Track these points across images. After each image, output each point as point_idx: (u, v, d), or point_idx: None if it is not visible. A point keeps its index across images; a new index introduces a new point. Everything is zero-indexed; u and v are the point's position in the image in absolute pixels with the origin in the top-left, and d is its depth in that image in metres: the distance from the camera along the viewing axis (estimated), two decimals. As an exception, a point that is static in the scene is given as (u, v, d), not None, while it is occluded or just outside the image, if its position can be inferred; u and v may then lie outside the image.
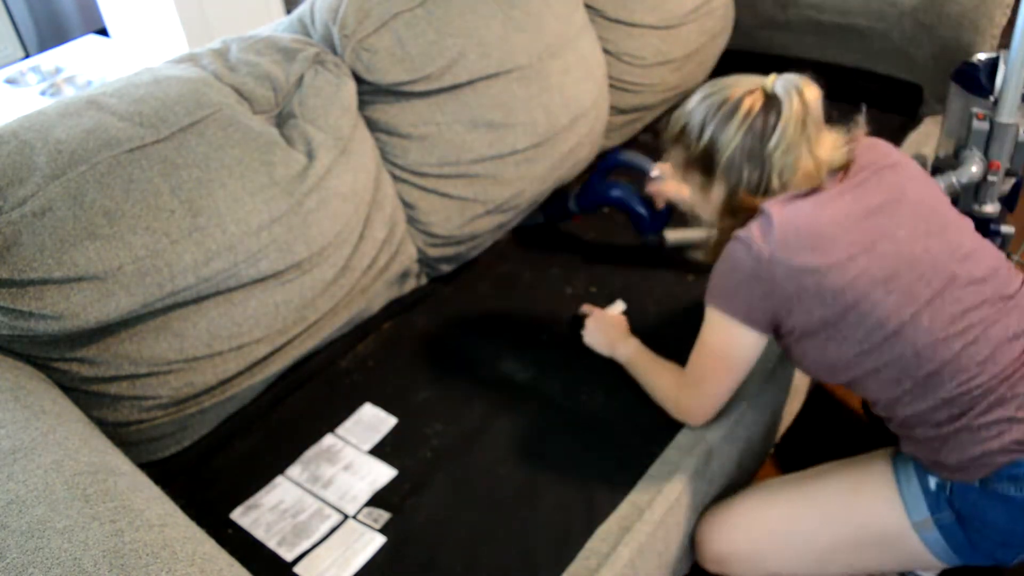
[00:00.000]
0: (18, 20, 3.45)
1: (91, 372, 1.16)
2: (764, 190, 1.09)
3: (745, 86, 1.11)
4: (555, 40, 1.69)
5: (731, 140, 1.07)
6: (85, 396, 1.17)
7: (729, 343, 1.10)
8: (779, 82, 1.09)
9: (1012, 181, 1.68)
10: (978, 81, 1.63)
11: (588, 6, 1.85)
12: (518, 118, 1.62)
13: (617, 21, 1.89)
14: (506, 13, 1.60)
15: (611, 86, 1.92)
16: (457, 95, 1.55)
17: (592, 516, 1.12)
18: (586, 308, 1.42)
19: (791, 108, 1.06)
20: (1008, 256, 1.95)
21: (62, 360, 1.14)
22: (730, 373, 1.14)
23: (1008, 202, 1.69)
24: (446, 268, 1.66)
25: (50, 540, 0.74)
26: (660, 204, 1.53)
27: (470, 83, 1.56)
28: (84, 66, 2.68)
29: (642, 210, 1.55)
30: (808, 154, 1.07)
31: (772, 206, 1.05)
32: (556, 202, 1.71)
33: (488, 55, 1.57)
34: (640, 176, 1.55)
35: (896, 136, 1.91)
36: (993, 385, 0.97)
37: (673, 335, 1.38)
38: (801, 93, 1.07)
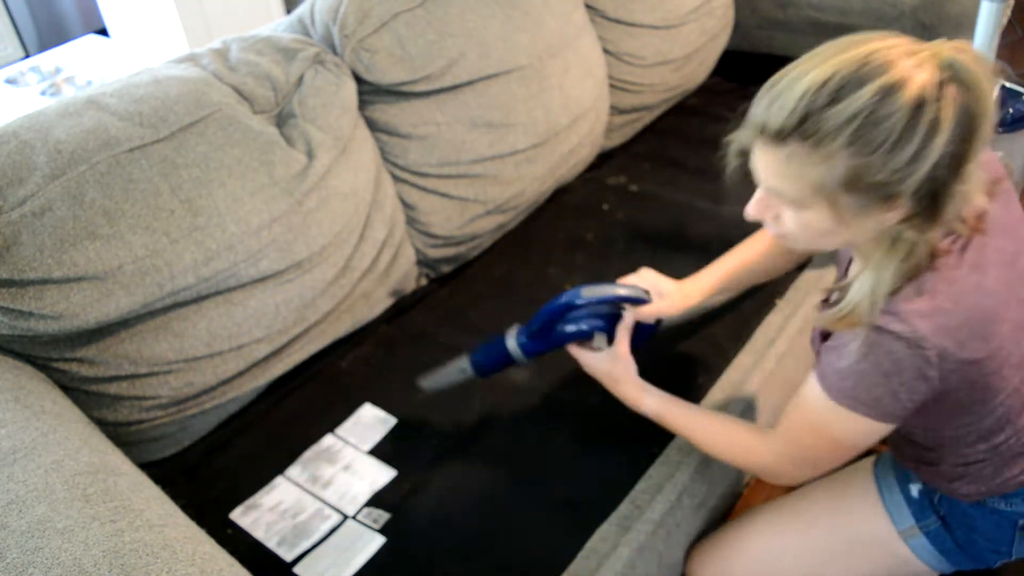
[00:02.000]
0: (18, 20, 3.45)
1: (91, 372, 1.16)
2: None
3: (921, 72, 0.74)
4: (555, 40, 1.69)
5: (936, 150, 0.74)
6: (85, 396, 1.17)
7: (867, 438, 0.91)
8: (950, 52, 0.76)
9: None
10: None
11: (588, 6, 1.85)
12: (518, 118, 1.62)
13: (617, 21, 1.89)
14: (506, 13, 1.60)
15: (611, 86, 1.92)
16: (457, 95, 1.55)
17: (592, 516, 1.12)
18: (573, 351, 1.16)
19: (989, 94, 0.76)
20: None
21: (62, 360, 1.14)
22: (853, 453, 0.95)
23: None
24: (446, 268, 1.66)
25: (50, 540, 0.74)
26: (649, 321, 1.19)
27: (470, 83, 1.56)
28: (84, 66, 2.68)
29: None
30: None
31: (937, 278, 0.82)
32: (491, 349, 1.19)
33: (488, 55, 1.57)
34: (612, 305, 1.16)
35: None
36: None
37: (670, 335, 1.38)
38: (988, 67, 0.78)
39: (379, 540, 1.12)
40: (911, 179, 0.75)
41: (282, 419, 1.35)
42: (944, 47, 0.76)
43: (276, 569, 1.10)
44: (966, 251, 0.84)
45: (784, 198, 0.84)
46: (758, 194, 0.89)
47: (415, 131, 1.52)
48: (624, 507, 1.13)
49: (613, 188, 1.84)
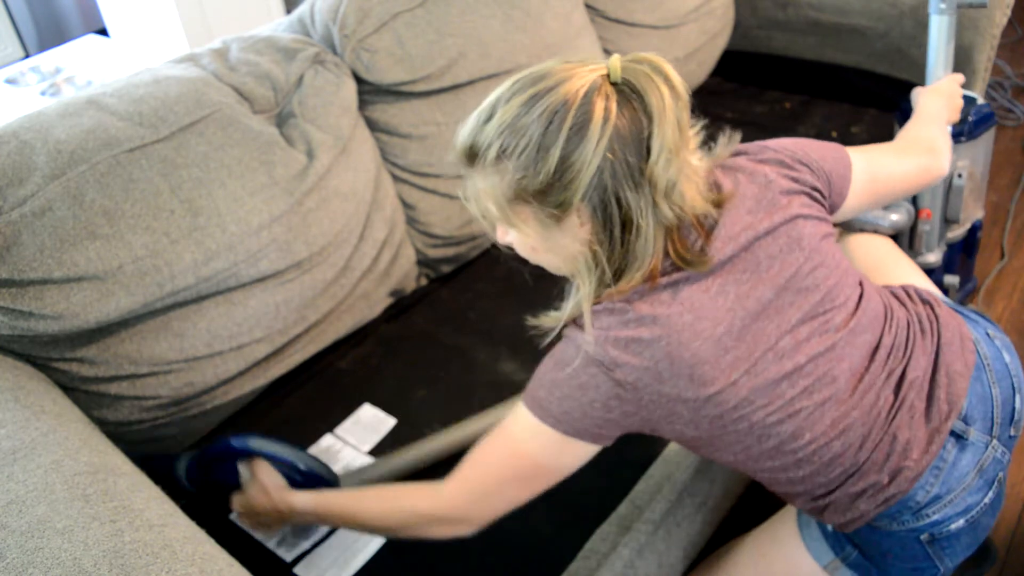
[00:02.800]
0: (18, 20, 3.45)
1: (91, 372, 1.16)
2: (650, 223, 0.80)
3: (581, 77, 0.78)
4: (555, 40, 1.69)
5: (590, 159, 0.76)
6: (85, 396, 1.17)
7: (555, 458, 0.88)
8: (624, 64, 0.79)
9: (967, 226, 1.54)
10: None
11: (588, 6, 1.85)
12: (518, 118, 1.62)
13: (617, 21, 1.89)
14: (506, 13, 1.60)
15: (611, 86, 1.92)
16: (457, 95, 1.55)
17: (592, 516, 1.12)
18: (235, 505, 1.05)
19: (662, 99, 0.77)
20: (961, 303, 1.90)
21: (62, 360, 1.14)
22: (535, 485, 0.91)
23: (968, 249, 1.57)
24: (446, 268, 1.66)
25: (50, 540, 0.74)
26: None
27: (470, 83, 1.56)
28: (84, 66, 2.68)
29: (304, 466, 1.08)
30: (690, 168, 0.82)
31: (645, 308, 0.81)
32: (160, 463, 1.14)
33: (488, 55, 1.57)
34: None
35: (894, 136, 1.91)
36: (859, 460, 0.92)
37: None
38: (668, 77, 0.79)
39: (379, 540, 1.12)
40: (573, 186, 0.77)
41: (282, 419, 1.35)
42: (618, 60, 0.79)
43: (276, 569, 1.10)
44: (687, 286, 0.83)
45: (495, 217, 0.85)
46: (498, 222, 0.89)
47: (415, 131, 1.52)
48: (624, 507, 1.13)
49: (613, 188, 1.84)
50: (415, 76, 1.48)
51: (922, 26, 1.92)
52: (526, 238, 0.85)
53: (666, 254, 0.83)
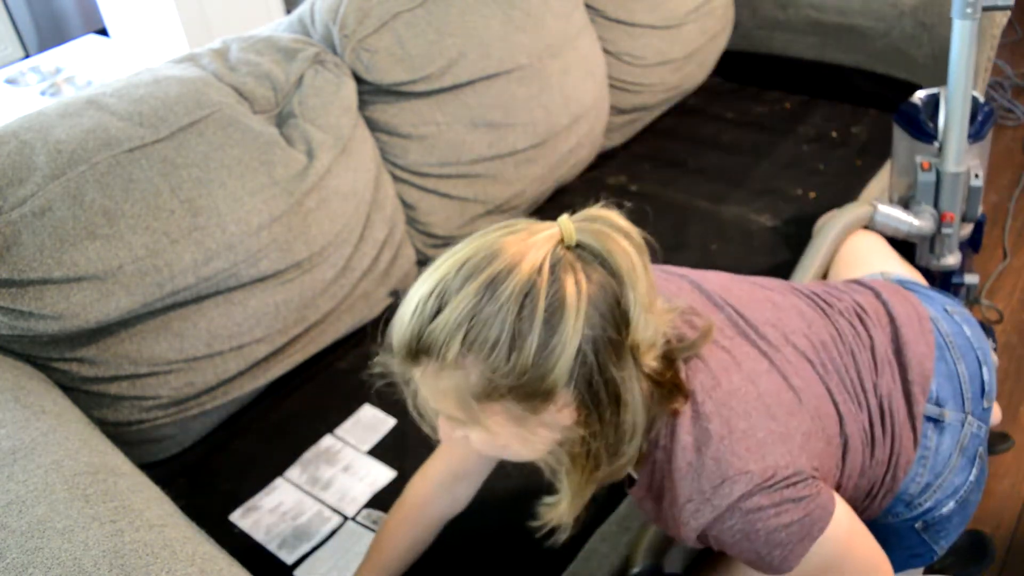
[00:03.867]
0: (18, 20, 3.45)
1: (91, 372, 1.16)
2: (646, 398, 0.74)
3: (537, 249, 0.68)
4: (555, 40, 1.69)
5: (569, 341, 0.67)
6: (85, 396, 1.17)
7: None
8: (577, 225, 0.71)
9: (972, 224, 1.53)
10: (920, 125, 1.45)
11: (588, 6, 1.85)
12: (518, 118, 1.62)
13: (617, 21, 1.89)
14: (506, 13, 1.60)
15: (611, 86, 1.92)
16: (457, 95, 1.55)
17: (592, 516, 1.12)
18: None
19: (629, 258, 0.70)
20: (976, 301, 1.91)
21: (62, 360, 1.14)
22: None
23: (973, 244, 1.57)
24: (446, 268, 1.66)
25: (50, 540, 0.74)
26: None
27: (470, 83, 1.56)
28: (84, 66, 2.68)
29: None
30: (657, 307, 0.75)
31: (710, 419, 0.77)
32: None
33: (488, 55, 1.57)
34: None
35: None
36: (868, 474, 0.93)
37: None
38: (622, 229, 0.73)
39: (379, 540, 1.12)
40: (554, 373, 0.67)
41: (282, 420, 1.35)
42: (569, 221, 0.71)
43: (277, 572, 1.10)
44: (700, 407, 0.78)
45: (453, 418, 0.74)
46: (440, 417, 0.79)
47: (415, 131, 1.52)
48: (624, 507, 1.13)
49: (613, 188, 1.84)
50: (415, 76, 1.48)
51: (922, 26, 1.92)
52: (495, 437, 0.74)
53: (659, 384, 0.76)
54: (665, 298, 0.82)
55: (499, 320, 0.66)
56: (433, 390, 0.72)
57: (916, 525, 0.94)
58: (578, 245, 0.70)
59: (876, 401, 0.91)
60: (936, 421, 0.93)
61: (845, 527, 0.79)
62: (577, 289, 0.67)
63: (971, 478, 0.94)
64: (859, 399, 0.89)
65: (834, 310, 0.96)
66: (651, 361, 0.73)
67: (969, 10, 1.30)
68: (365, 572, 1.01)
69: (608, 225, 0.71)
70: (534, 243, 0.68)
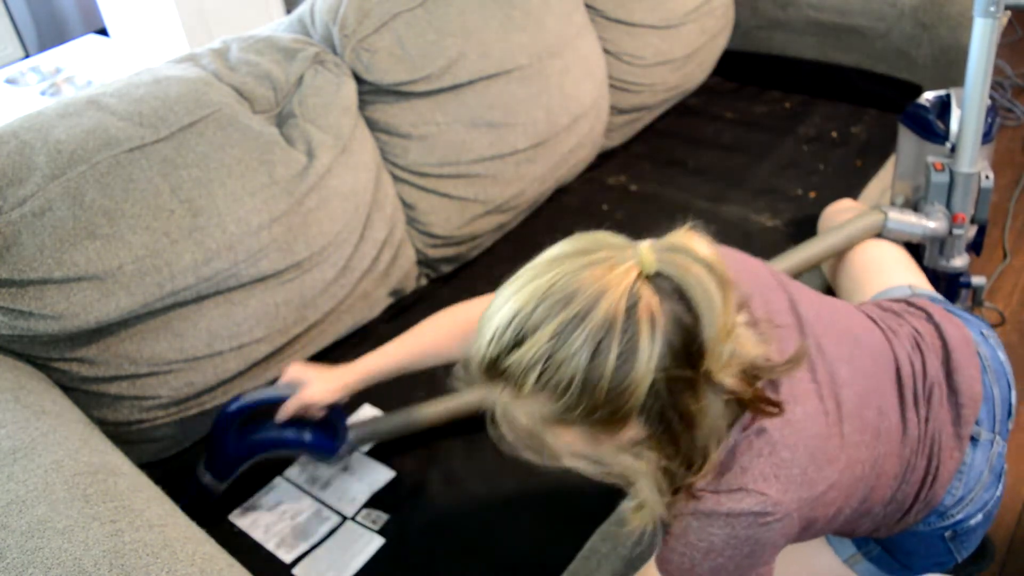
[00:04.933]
0: (18, 20, 3.45)
1: (91, 372, 1.16)
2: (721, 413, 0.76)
3: (616, 286, 0.69)
4: (555, 40, 1.69)
5: (641, 380, 0.69)
6: (85, 396, 1.17)
7: None
8: (658, 256, 0.71)
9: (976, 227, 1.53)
10: (931, 125, 1.45)
11: (588, 6, 1.85)
12: (518, 118, 1.62)
13: (617, 21, 1.89)
14: (506, 13, 1.60)
15: (611, 86, 1.92)
16: (457, 95, 1.55)
17: (592, 516, 1.12)
18: None
19: (706, 292, 0.70)
20: (979, 304, 1.91)
21: (62, 360, 1.14)
22: None
23: (975, 247, 1.56)
24: (446, 268, 1.66)
25: (50, 540, 0.74)
26: (318, 414, 1.13)
27: (470, 83, 1.56)
28: (84, 66, 2.68)
29: (311, 437, 1.15)
30: (737, 334, 0.75)
31: (758, 440, 0.78)
32: (191, 489, 1.16)
33: (488, 55, 1.57)
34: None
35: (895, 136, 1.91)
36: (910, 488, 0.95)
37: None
38: (702, 259, 0.72)
39: (378, 541, 1.12)
40: (625, 408, 0.69)
41: (282, 419, 1.35)
42: (651, 252, 0.70)
43: (276, 570, 1.10)
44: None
45: (527, 435, 0.76)
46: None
47: (415, 131, 1.52)
48: (624, 507, 1.13)
49: (613, 188, 1.84)
50: (415, 76, 1.48)
51: (922, 26, 1.92)
52: (565, 457, 0.78)
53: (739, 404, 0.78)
54: (752, 315, 0.83)
55: (573, 365, 0.68)
56: (507, 409, 0.75)
57: (946, 534, 0.97)
58: (657, 274, 0.70)
59: (922, 431, 0.93)
60: (973, 439, 0.96)
61: None
62: (652, 331, 0.68)
63: (997, 493, 0.98)
64: (908, 432, 0.91)
65: (898, 339, 0.97)
66: (728, 379, 0.74)
67: (992, 8, 1.29)
68: (388, 348, 1.11)
69: (689, 256, 0.71)
70: (612, 280, 0.69)
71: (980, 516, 0.97)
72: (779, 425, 0.79)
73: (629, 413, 0.70)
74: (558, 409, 0.70)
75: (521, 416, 0.74)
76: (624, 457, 0.76)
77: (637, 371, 0.68)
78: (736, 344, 0.73)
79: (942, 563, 1.01)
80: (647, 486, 0.77)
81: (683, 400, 0.71)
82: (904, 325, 1.01)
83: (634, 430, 0.73)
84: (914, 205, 1.49)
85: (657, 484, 0.77)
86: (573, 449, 0.76)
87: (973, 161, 1.39)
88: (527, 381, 0.70)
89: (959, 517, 0.96)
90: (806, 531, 0.84)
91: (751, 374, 0.77)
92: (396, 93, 1.49)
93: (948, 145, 1.43)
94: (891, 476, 0.91)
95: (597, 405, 0.69)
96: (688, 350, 0.70)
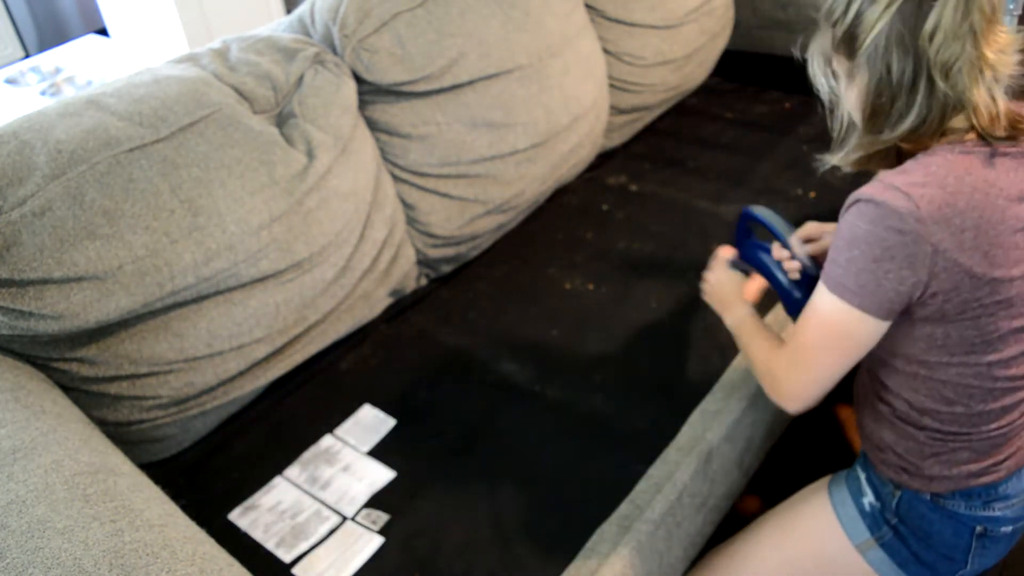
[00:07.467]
0: (18, 20, 3.45)
1: (91, 372, 1.16)
2: (927, 103, 0.87)
3: None
4: (555, 40, 1.69)
5: (876, 19, 0.86)
6: (85, 396, 1.17)
7: (848, 329, 0.91)
8: None
9: None
10: None
11: (588, 6, 1.85)
12: (518, 118, 1.62)
13: (617, 21, 1.89)
14: (506, 13, 1.60)
15: (611, 86, 1.92)
16: (457, 95, 1.55)
17: (592, 516, 1.12)
18: (721, 254, 1.23)
19: None
20: None
21: (62, 360, 1.14)
22: (844, 358, 0.94)
23: None
24: (446, 268, 1.66)
25: (50, 540, 0.74)
26: (794, 274, 1.17)
27: (470, 83, 1.56)
28: (84, 66, 2.68)
29: (797, 293, 1.17)
30: (974, 50, 0.84)
31: (929, 165, 0.86)
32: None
33: (488, 55, 1.57)
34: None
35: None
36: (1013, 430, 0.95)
37: (672, 332, 1.38)
38: None
39: (378, 541, 1.12)
40: (859, 40, 0.88)
41: (281, 420, 1.35)
42: None
43: (275, 570, 1.10)
44: (986, 170, 0.86)
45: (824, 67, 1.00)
46: None
47: (415, 131, 1.52)
48: (624, 507, 1.13)
49: (613, 188, 1.84)
50: (415, 76, 1.48)
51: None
52: (854, 91, 0.94)
53: (971, 128, 0.88)
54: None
55: (842, 4, 0.90)
56: (818, 44, 0.99)
57: (977, 528, 0.96)
58: None
59: None
60: None
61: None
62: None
63: None
64: None
65: None
66: (941, 88, 0.85)
67: (1012, 6, 1.30)
68: None
69: None
70: None
71: (1010, 528, 0.95)
72: (983, 185, 0.85)
73: (859, 49, 0.89)
74: (830, 32, 0.93)
75: (820, 44, 0.98)
76: (852, 94, 0.94)
77: (876, 8, 0.86)
78: (966, 66, 0.84)
79: (953, 560, 0.99)
80: (861, 122, 0.94)
81: (894, 59, 0.87)
82: None
83: (859, 74, 0.90)
84: None
85: (865, 126, 0.93)
86: (840, 78, 0.96)
87: None
88: (822, 13, 0.94)
89: (997, 514, 0.95)
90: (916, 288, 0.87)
91: (1010, 119, 0.88)
92: (396, 93, 1.49)
93: None
94: (989, 377, 0.91)
95: (846, 27, 0.89)
96: (915, 17, 0.84)
